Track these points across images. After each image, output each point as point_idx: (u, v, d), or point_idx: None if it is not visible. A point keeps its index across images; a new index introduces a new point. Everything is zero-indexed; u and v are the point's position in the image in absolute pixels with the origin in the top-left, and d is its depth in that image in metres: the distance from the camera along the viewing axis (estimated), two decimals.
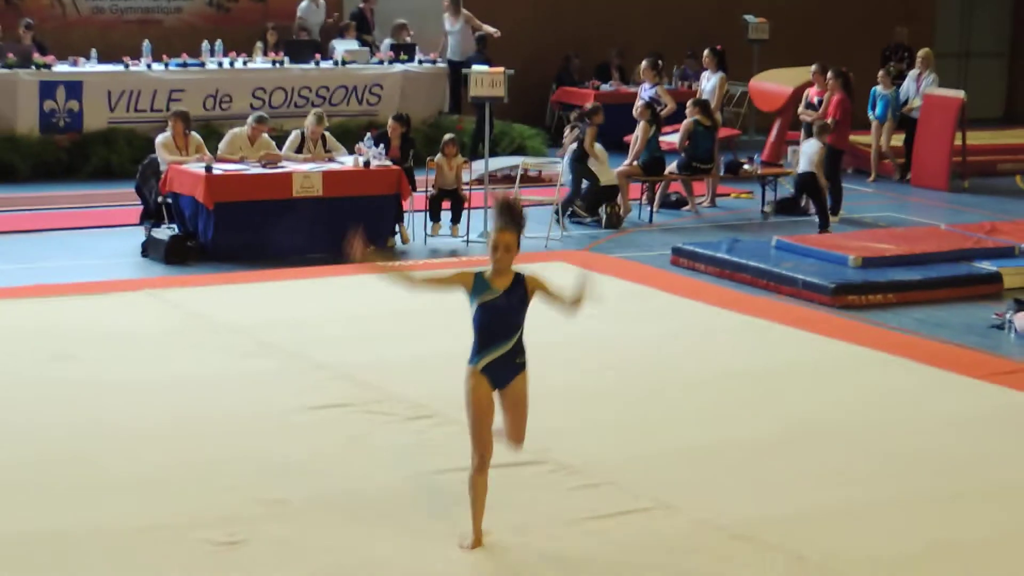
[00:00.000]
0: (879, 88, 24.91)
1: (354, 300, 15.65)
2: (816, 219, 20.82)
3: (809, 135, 21.62)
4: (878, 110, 24.71)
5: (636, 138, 21.29)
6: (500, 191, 8.80)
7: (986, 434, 12.29)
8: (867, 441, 11.90)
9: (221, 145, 18.61)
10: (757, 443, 11.78)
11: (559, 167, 20.95)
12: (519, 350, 9.11)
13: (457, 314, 15.24)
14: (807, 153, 20.56)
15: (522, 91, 25.45)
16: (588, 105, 22.08)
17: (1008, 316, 15.80)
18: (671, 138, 22.15)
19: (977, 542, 10.01)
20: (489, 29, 25.74)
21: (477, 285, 8.93)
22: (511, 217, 8.80)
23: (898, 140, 25.53)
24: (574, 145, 20.66)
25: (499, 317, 8.94)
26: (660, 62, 23.84)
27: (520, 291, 8.92)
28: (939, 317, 16.22)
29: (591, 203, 20.56)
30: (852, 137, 23.23)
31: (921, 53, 25.23)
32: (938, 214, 21.61)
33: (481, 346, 9.02)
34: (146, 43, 22.97)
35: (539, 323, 14.68)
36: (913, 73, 25.52)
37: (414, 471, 10.75)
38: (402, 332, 14.33)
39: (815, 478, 10.99)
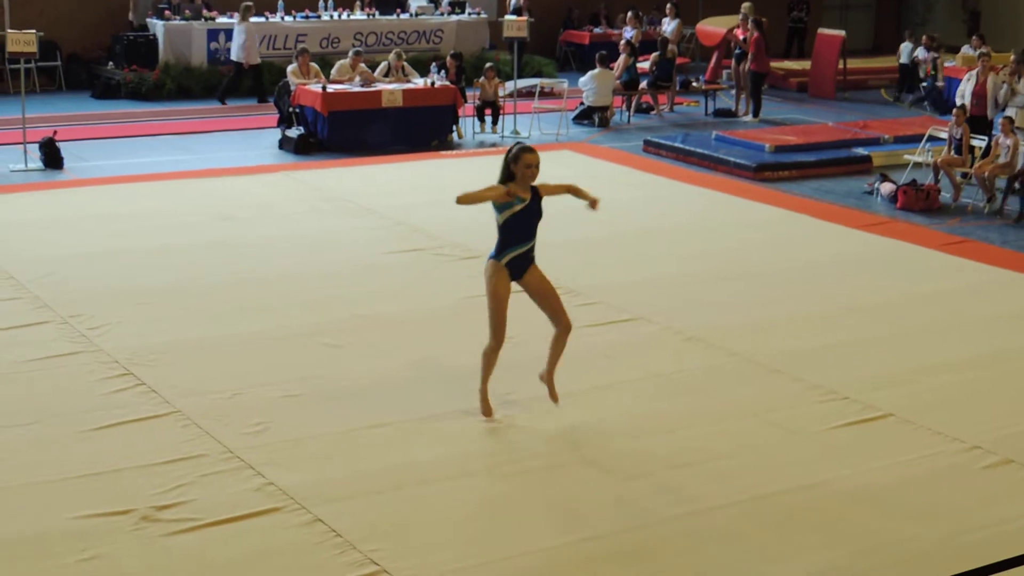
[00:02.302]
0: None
1: (423, 177, 15.65)
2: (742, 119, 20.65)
3: (738, 64, 21.37)
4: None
5: (619, 65, 21.01)
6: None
7: (858, 267, 12.19)
8: (778, 275, 11.84)
9: (332, 72, 18.49)
10: (702, 274, 11.72)
11: (565, 85, 20.75)
12: (534, 247, 8.09)
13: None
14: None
15: (540, 33, 25.13)
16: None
17: (876, 185, 15.75)
18: (644, 64, 21.85)
19: (853, 342, 9.93)
20: None
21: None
22: (531, 149, 8.00)
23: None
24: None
25: (525, 220, 8.03)
26: (639, 12, 23.75)
27: (537, 197, 8.04)
28: (828, 187, 16.13)
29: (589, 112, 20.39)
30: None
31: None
32: (827, 115, 21.38)
33: (507, 245, 8.04)
34: (280, 1, 22.80)
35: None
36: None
37: (464, 295, 10.64)
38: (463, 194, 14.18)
39: (741, 302, 10.92)
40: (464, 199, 7.87)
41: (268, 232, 12.72)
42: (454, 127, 18.61)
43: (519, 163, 7.91)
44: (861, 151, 17.71)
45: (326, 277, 11.26)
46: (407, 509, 6.95)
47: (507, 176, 7.98)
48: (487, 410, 8.20)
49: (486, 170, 16.17)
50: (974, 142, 15.82)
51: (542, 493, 7.25)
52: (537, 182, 8.03)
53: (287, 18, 22.74)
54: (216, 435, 7.76)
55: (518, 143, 8.11)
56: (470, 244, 12.21)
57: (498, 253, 8.08)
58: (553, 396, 8.30)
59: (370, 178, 15.57)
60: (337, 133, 17.44)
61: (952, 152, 15.79)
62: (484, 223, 12.98)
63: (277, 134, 17.99)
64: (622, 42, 21.82)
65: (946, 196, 15.44)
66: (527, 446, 7.83)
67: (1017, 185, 14.89)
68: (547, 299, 8.17)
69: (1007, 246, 13.38)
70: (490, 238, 12.55)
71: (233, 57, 20.96)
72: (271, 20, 22.50)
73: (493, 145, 18.36)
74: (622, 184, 15.49)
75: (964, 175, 15.69)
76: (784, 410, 8.48)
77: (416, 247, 12.26)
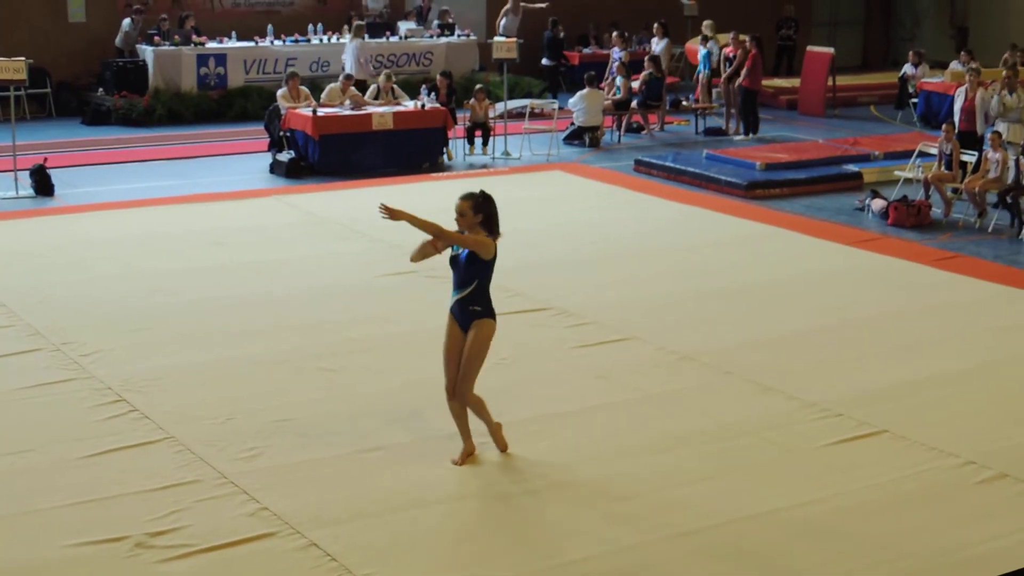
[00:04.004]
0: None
1: (414, 200, 15.52)
2: (733, 138, 20.73)
3: (728, 82, 21.40)
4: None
5: (614, 84, 21.12)
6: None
7: (850, 284, 12.21)
8: (770, 293, 11.85)
9: (322, 95, 18.52)
10: (697, 295, 11.71)
11: (555, 106, 20.80)
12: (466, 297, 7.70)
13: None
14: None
15: (529, 54, 25.16)
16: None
17: (866, 201, 15.77)
18: (634, 84, 21.90)
19: (846, 359, 9.94)
20: (540, 5, 25.43)
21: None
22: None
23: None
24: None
25: (453, 268, 7.77)
26: (626, 33, 23.81)
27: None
28: (819, 204, 16.15)
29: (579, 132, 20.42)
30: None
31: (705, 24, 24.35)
32: (817, 133, 21.42)
33: (490, 298, 7.72)
34: (269, 26, 22.83)
35: (535, 212, 14.74)
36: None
37: None
38: (449, 221, 14.10)
39: (734, 320, 10.93)
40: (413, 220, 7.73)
41: (260, 257, 12.71)
42: (444, 149, 18.64)
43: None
44: (852, 168, 17.74)
45: (319, 301, 11.26)
46: (402, 532, 6.94)
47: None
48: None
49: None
50: (964, 157, 15.87)
51: (537, 514, 7.25)
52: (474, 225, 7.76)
53: (277, 42, 22.77)
54: (210, 460, 7.75)
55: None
56: None
57: (493, 310, 7.80)
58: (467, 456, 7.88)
59: (361, 201, 15.52)
60: (328, 156, 17.46)
61: (942, 168, 15.83)
62: None
63: (268, 158, 17.99)
64: (615, 64, 21.88)
65: (937, 212, 15.47)
66: (521, 468, 7.83)
67: (1009, 199, 14.93)
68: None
69: (999, 261, 13.41)
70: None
71: (348, 70, 20.73)
72: (260, 44, 22.52)
73: (484, 167, 18.39)
74: (613, 204, 15.51)
75: (955, 190, 15.73)
76: (779, 428, 8.49)
77: (409, 270, 12.17)
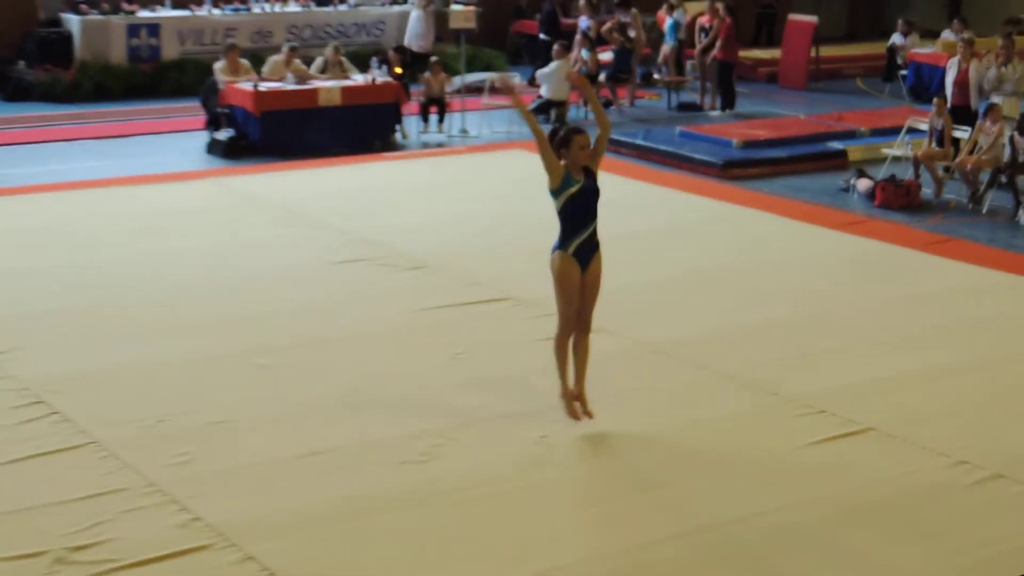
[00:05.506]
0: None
1: (364, 182, 15.59)
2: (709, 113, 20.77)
3: (703, 54, 21.38)
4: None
5: (575, 58, 21.04)
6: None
7: (834, 270, 12.24)
8: (748, 280, 11.86)
9: (264, 68, 18.41)
10: (666, 281, 11.71)
11: (515, 80, 20.71)
12: (596, 231, 8.20)
13: (443, 188, 15.13)
14: None
15: (489, 23, 25.08)
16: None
17: (852, 181, 15.83)
18: (604, 56, 21.87)
19: (829, 351, 9.93)
20: None
21: (566, 178, 8.08)
22: (581, 130, 8.23)
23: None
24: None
25: (583, 202, 8.14)
26: (594, 0, 23.86)
27: (592, 176, 8.19)
28: (801, 184, 16.20)
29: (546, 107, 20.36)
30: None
31: None
32: (799, 108, 21.48)
33: (570, 232, 8.14)
34: None
35: (493, 194, 14.68)
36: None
37: (410, 309, 10.65)
38: (402, 204, 14.21)
39: (710, 310, 10.92)
40: (533, 125, 8.25)
41: (196, 244, 12.61)
42: (397, 127, 18.56)
43: (571, 146, 8.07)
44: (836, 145, 17.81)
45: (259, 292, 11.16)
46: (349, 544, 6.86)
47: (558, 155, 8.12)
48: (572, 411, 8.27)
49: (433, 173, 16.26)
50: (957, 134, 15.89)
51: (500, 520, 7.18)
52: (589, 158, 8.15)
53: (215, 11, 22.64)
54: (137, 467, 7.64)
55: (567, 126, 8.28)
56: (416, 253, 12.17)
57: (562, 243, 8.18)
58: (587, 412, 8.31)
59: (307, 183, 15.48)
60: (270, 135, 17.34)
61: (933, 145, 15.86)
62: (434, 231, 13.04)
63: (205, 137, 17.88)
64: (578, 35, 21.84)
65: (927, 192, 15.52)
66: (483, 470, 7.76)
67: (1003, 179, 14.95)
68: (589, 299, 8.29)
69: (994, 244, 13.45)
70: (439, 247, 12.60)
71: (407, 43, 20.79)
72: (197, 13, 22.39)
73: (439, 145, 18.34)
74: None
75: (946, 169, 15.77)
76: (760, 426, 8.47)
77: (358, 257, 12.19)
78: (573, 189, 8.11)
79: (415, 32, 21.69)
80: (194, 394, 8.82)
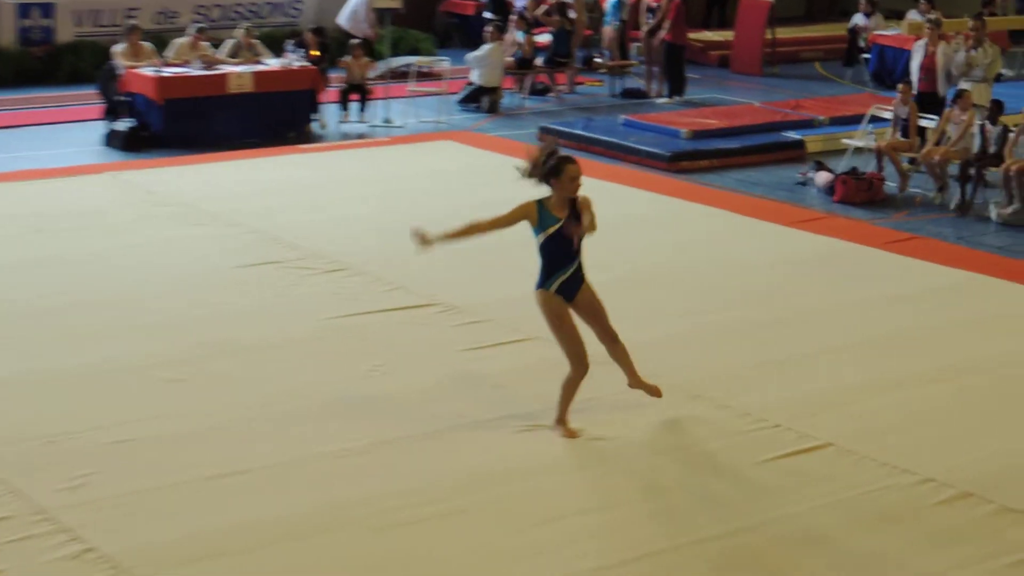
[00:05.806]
0: None
1: (279, 176, 15.53)
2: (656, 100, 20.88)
3: (650, 36, 21.48)
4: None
5: (509, 41, 21.10)
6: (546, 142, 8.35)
7: (790, 271, 12.32)
8: (696, 281, 11.91)
9: (168, 52, 18.36)
10: (608, 284, 11.65)
11: (445, 64, 20.76)
12: (581, 266, 8.41)
13: (365, 183, 15.10)
14: None
15: (415, 3, 25.06)
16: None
17: (810, 175, 15.94)
18: (542, 38, 21.93)
19: (784, 359, 9.99)
20: None
21: (542, 217, 8.31)
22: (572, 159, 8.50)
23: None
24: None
25: (564, 240, 8.28)
26: None
27: (576, 213, 8.33)
28: (755, 177, 16.31)
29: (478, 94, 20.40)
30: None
31: None
32: (753, 94, 21.64)
33: (551, 271, 8.32)
34: None
35: (419, 190, 14.68)
36: None
37: (330, 316, 10.66)
38: (319, 200, 14.21)
39: (655, 315, 10.95)
40: (484, 229, 8.49)
41: (93, 246, 12.54)
42: (314, 116, 18.54)
43: (562, 176, 8.30)
44: (793, 135, 17.92)
45: (164, 298, 11.10)
46: (267, 574, 6.82)
47: (544, 183, 8.33)
48: (569, 434, 8.51)
49: (353, 166, 16.23)
50: (923, 123, 16.06)
51: (435, 547, 7.16)
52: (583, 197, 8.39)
53: None
54: (26, 492, 7.56)
55: (553, 152, 8.52)
56: (336, 255, 12.16)
57: (544, 281, 8.34)
58: (654, 391, 8.71)
59: (215, 178, 15.42)
60: (175, 125, 17.29)
61: (898, 135, 16.02)
62: (354, 230, 13.02)
63: (103, 128, 17.78)
64: (513, 16, 21.88)
65: (891, 186, 15.67)
66: (415, 491, 7.74)
67: (972, 172, 15.09)
68: (597, 316, 8.49)
69: (962, 243, 13.61)
70: (360, 247, 12.58)
71: (346, 27, 21.00)
72: None
73: (360, 136, 18.33)
74: (513, 180, 15.44)
75: (912, 161, 15.93)
76: (709, 442, 8.51)
77: (272, 259, 12.15)
78: (551, 229, 8.25)
79: (356, 16, 21.39)
80: (90, 410, 8.75)
